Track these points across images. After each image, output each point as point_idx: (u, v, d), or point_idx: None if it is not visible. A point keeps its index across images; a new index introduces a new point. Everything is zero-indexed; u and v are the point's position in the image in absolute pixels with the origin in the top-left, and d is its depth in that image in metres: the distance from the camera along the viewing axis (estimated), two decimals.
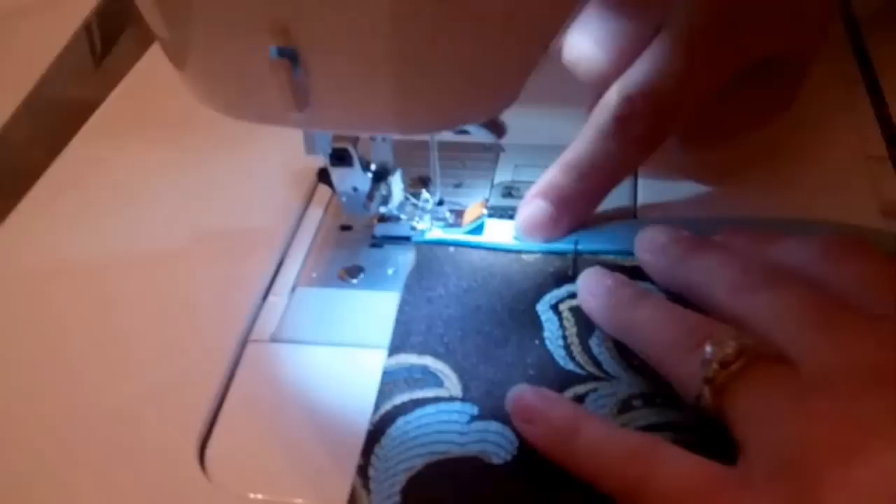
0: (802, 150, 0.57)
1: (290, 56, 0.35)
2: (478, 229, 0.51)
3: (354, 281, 0.50)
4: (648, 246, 0.47)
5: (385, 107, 0.37)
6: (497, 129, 0.43)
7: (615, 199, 0.53)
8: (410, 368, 0.44)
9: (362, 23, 0.34)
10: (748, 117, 0.53)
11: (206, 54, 0.38)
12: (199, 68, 0.39)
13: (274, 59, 0.35)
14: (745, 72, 0.49)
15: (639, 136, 0.48)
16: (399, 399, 0.43)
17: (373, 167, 0.50)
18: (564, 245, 0.50)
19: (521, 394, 0.41)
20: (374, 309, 0.48)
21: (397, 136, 0.49)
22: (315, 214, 0.55)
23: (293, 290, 0.50)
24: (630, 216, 0.54)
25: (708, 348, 0.38)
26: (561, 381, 0.43)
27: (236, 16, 0.35)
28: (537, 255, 0.50)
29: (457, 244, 0.51)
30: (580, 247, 0.49)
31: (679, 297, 0.44)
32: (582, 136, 0.49)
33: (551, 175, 0.50)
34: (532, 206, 0.50)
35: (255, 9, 0.34)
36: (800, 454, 0.33)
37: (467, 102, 0.39)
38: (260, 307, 0.49)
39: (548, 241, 0.50)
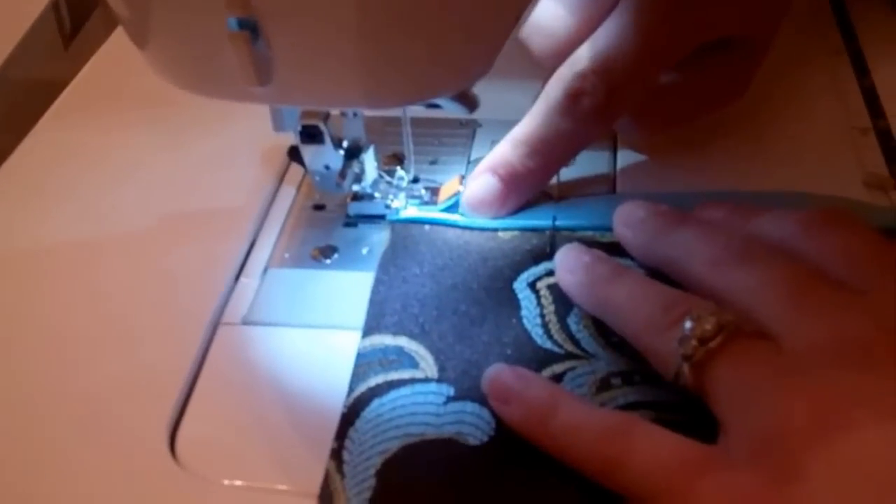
0: (785, 121, 0.56)
1: (249, 27, 0.34)
2: (454, 207, 0.50)
3: (328, 261, 0.49)
4: (626, 220, 0.46)
5: (352, 80, 0.36)
6: (469, 102, 0.42)
7: (595, 171, 0.52)
8: (385, 350, 0.43)
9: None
10: (702, 100, 0.52)
11: (165, 28, 0.36)
12: (160, 43, 0.37)
13: (233, 31, 0.34)
14: (701, 54, 0.48)
15: (590, 113, 0.47)
16: (373, 381, 0.42)
17: (345, 144, 0.48)
18: (542, 221, 0.49)
19: (497, 373, 0.40)
20: (349, 289, 0.47)
21: (366, 111, 0.48)
22: (287, 194, 0.54)
23: (265, 271, 0.49)
24: (609, 190, 0.53)
25: (687, 324, 0.37)
26: (538, 360, 0.42)
27: None
28: (514, 233, 0.49)
29: (432, 222, 0.50)
30: (558, 223, 0.48)
31: (658, 273, 0.43)
32: (534, 111, 0.48)
33: (501, 150, 0.49)
34: (481, 181, 0.49)
35: None
36: (781, 431, 0.33)
37: (437, 74, 0.38)
38: (232, 289, 0.48)
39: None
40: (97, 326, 0.46)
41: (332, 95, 0.37)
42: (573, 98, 0.47)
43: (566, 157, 0.50)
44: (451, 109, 0.41)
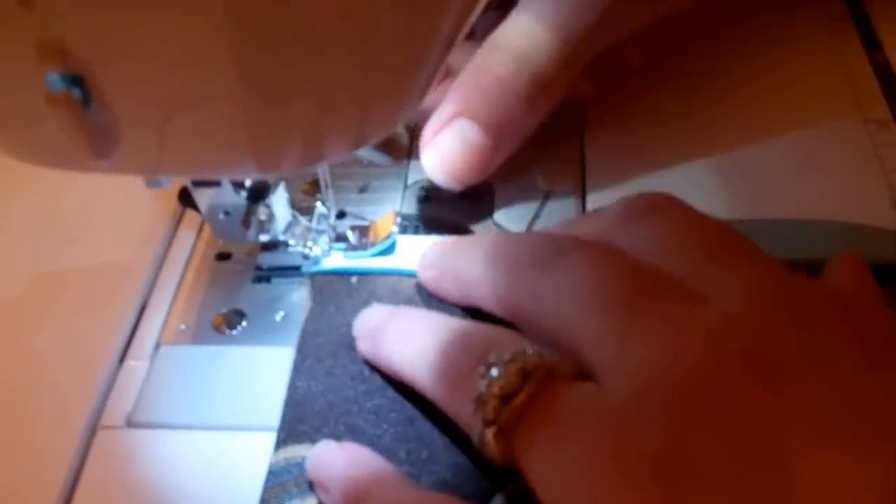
0: (785, 114, 0.46)
1: (76, 85, 0.24)
2: (388, 250, 0.40)
3: (234, 332, 0.39)
4: (425, 263, 0.38)
5: (233, 143, 0.26)
6: (394, 148, 0.32)
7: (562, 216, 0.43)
8: (302, 465, 0.33)
9: (181, 35, 0.23)
10: None
11: None
12: None
13: (53, 92, 0.24)
14: None
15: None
16: None
17: (247, 184, 0.38)
18: None
19: (315, 455, 0.33)
20: (260, 372, 0.38)
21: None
22: (185, 240, 0.44)
23: (157, 348, 0.39)
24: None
25: (482, 376, 0.27)
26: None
27: None
28: None
29: (359, 273, 0.40)
30: None
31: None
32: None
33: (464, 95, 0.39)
34: (455, 132, 0.39)
35: (7, 20, 0.23)
36: None
37: (353, 122, 0.28)
38: (114, 376, 0.38)
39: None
40: None
41: (210, 165, 0.28)
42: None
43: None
44: (372, 159, 0.32)
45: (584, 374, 0.27)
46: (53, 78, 0.24)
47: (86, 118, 0.24)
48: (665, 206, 0.32)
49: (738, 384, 0.24)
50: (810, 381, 0.24)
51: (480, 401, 0.27)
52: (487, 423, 0.27)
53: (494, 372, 0.27)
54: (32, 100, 0.24)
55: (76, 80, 0.24)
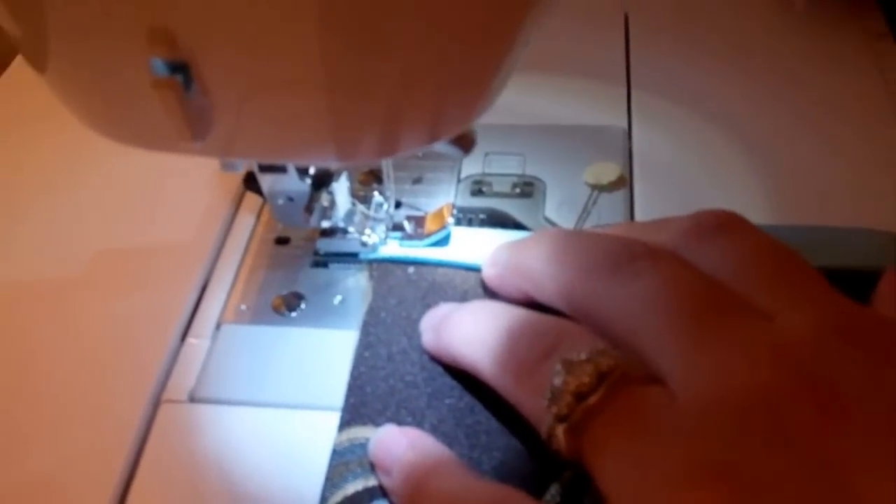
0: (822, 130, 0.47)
1: (179, 71, 0.25)
2: (443, 241, 0.42)
3: (293, 314, 0.41)
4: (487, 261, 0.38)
5: (317, 130, 0.28)
6: (464, 142, 0.33)
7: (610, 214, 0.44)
8: (366, 445, 0.34)
9: (278, 24, 0.24)
10: None
11: (68, 63, 0.27)
12: (64, 81, 0.28)
13: (159, 77, 0.25)
14: None
15: None
16: (351, 488, 0.33)
17: (311, 171, 0.40)
18: None
19: (378, 439, 0.34)
20: (318, 354, 0.39)
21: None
22: (245, 224, 0.46)
23: (218, 327, 0.41)
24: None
25: (556, 375, 0.28)
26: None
27: (99, 15, 0.25)
28: None
29: (417, 262, 0.41)
30: None
31: None
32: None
33: None
34: None
35: (122, 8, 0.24)
36: None
37: (430, 116, 0.29)
38: (177, 353, 0.40)
39: None
40: (6, 412, 0.38)
41: (293, 150, 0.29)
42: None
43: None
44: (441, 150, 0.33)
45: (654, 377, 0.28)
46: (158, 64, 0.25)
47: (186, 103, 0.26)
48: (735, 226, 0.32)
49: (805, 407, 0.25)
50: (874, 406, 0.25)
51: (554, 396, 0.28)
52: (560, 419, 0.28)
53: (570, 369, 0.28)
54: (137, 84, 0.26)
55: (179, 67, 0.25)
